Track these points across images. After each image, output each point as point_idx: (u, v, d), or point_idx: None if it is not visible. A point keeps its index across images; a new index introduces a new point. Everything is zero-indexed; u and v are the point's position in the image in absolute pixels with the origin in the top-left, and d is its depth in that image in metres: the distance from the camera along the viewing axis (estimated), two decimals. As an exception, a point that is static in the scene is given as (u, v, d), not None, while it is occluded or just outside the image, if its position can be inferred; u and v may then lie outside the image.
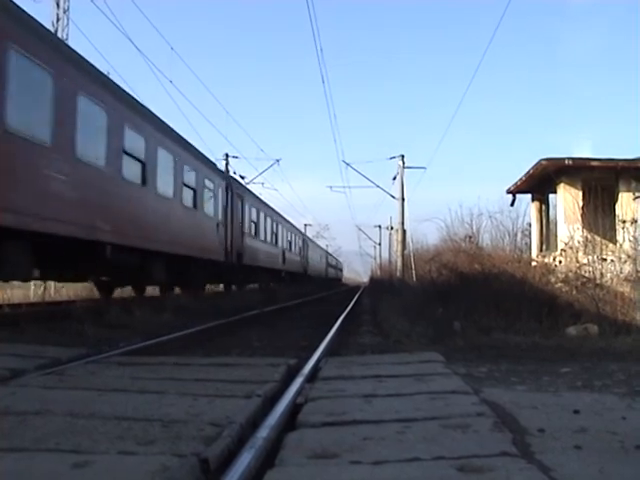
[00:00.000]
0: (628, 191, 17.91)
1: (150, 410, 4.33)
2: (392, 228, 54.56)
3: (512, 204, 21.86)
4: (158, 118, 18.39)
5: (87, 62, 13.91)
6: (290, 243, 45.07)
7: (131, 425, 3.89)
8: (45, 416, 4.14)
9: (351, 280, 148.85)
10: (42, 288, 29.16)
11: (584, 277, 13.35)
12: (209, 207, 23.07)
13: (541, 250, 20.98)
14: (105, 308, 13.90)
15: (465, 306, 12.59)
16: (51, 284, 29.29)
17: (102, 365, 6.75)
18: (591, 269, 13.45)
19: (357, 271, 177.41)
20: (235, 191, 27.27)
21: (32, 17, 11.86)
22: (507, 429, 3.89)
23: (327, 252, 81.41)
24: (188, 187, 20.45)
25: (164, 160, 18.12)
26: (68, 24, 25.80)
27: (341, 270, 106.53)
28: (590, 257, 13.84)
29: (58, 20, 25.54)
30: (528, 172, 19.24)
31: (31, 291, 28.53)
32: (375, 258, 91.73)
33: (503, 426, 3.96)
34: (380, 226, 77.80)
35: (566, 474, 3.06)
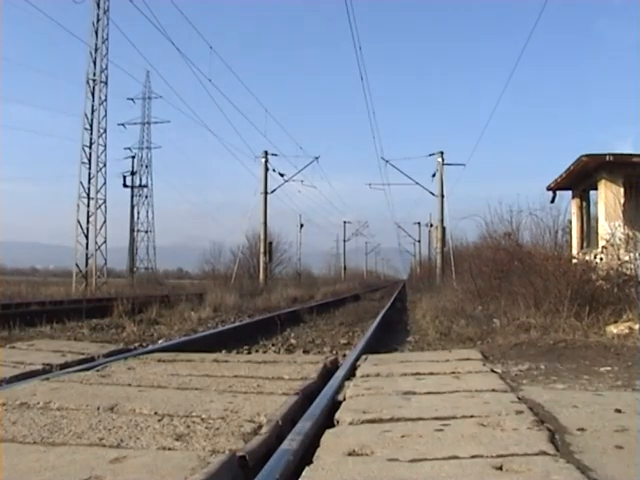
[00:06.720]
0: (671, 187, 17.62)
1: (190, 406, 4.37)
2: (432, 225, 54.48)
3: (552, 201, 21.63)
4: None
5: None
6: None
7: (171, 421, 3.93)
8: (86, 411, 4.20)
9: (390, 277, 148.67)
10: (83, 285, 29.52)
11: (625, 275, 13.18)
12: None
13: (582, 247, 20.74)
14: (145, 304, 14.06)
15: (504, 304, 12.51)
16: (92, 281, 29.71)
17: (141, 361, 6.82)
18: (633, 266, 13.27)
19: (396, 268, 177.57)
20: None
21: None
22: (546, 428, 3.85)
23: None
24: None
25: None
26: (108, 24, 26.19)
27: None
28: (632, 254, 13.65)
29: (98, 20, 25.92)
30: (568, 169, 19.02)
31: (72, 288, 28.91)
32: (415, 255, 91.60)
33: (542, 425, 3.92)
34: (419, 223, 77.87)
35: (607, 474, 3.02)
